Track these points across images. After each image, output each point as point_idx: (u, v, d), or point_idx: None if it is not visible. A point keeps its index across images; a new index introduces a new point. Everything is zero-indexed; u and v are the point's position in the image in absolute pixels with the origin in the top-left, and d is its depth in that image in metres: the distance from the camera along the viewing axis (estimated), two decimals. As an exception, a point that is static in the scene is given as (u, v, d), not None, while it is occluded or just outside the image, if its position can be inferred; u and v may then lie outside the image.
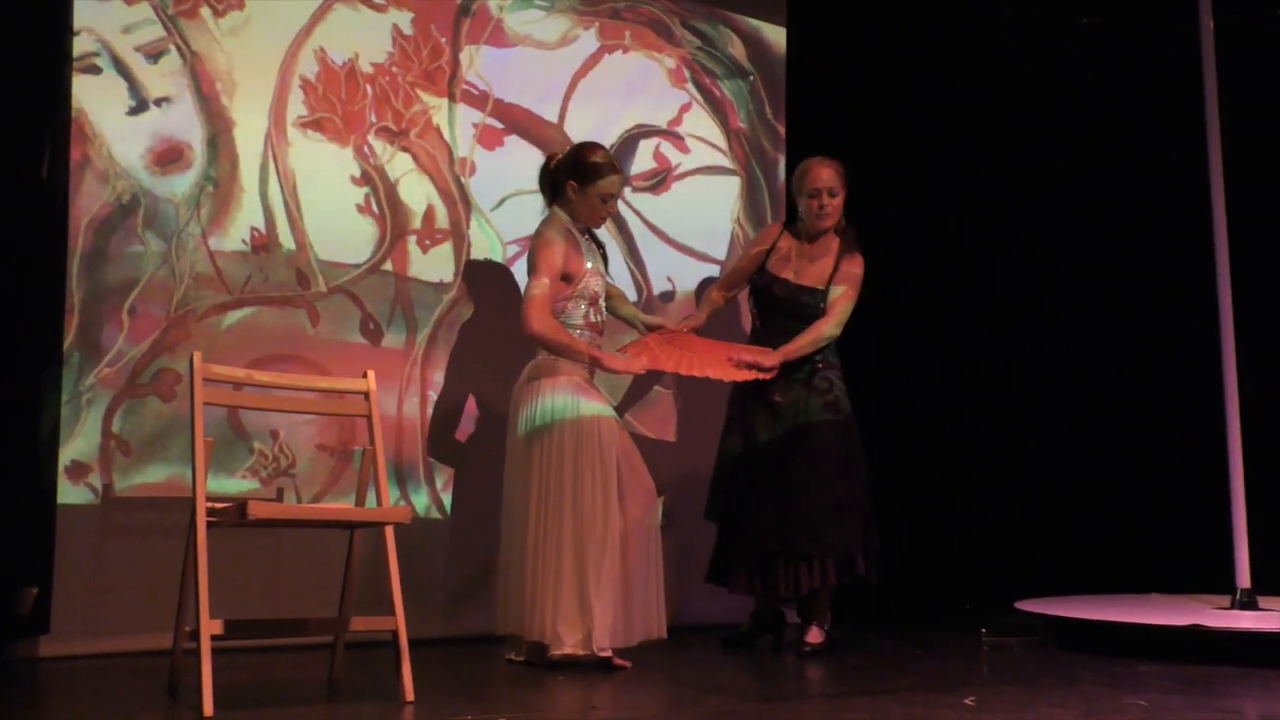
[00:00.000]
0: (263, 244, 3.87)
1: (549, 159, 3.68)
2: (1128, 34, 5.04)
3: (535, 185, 3.73)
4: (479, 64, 4.27)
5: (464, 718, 2.67)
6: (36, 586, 3.42)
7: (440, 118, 4.19)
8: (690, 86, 4.70)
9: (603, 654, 3.34)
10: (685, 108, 4.68)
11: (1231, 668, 3.47)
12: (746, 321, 4.25)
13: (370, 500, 3.14)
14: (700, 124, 4.71)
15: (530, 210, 3.85)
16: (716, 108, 4.75)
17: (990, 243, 5.25)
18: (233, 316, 3.80)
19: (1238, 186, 4.41)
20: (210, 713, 2.62)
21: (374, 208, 4.05)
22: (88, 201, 3.63)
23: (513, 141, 4.32)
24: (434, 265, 4.14)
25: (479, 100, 4.27)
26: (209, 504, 2.81)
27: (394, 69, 4.11)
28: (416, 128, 4.14)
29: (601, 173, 3.55)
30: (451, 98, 4.21)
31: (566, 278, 3.51)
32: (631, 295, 4.37)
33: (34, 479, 3.49)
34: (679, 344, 3.72)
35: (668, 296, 4.59)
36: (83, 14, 3.65)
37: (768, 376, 3.70)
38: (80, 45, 3.66)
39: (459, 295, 4.17)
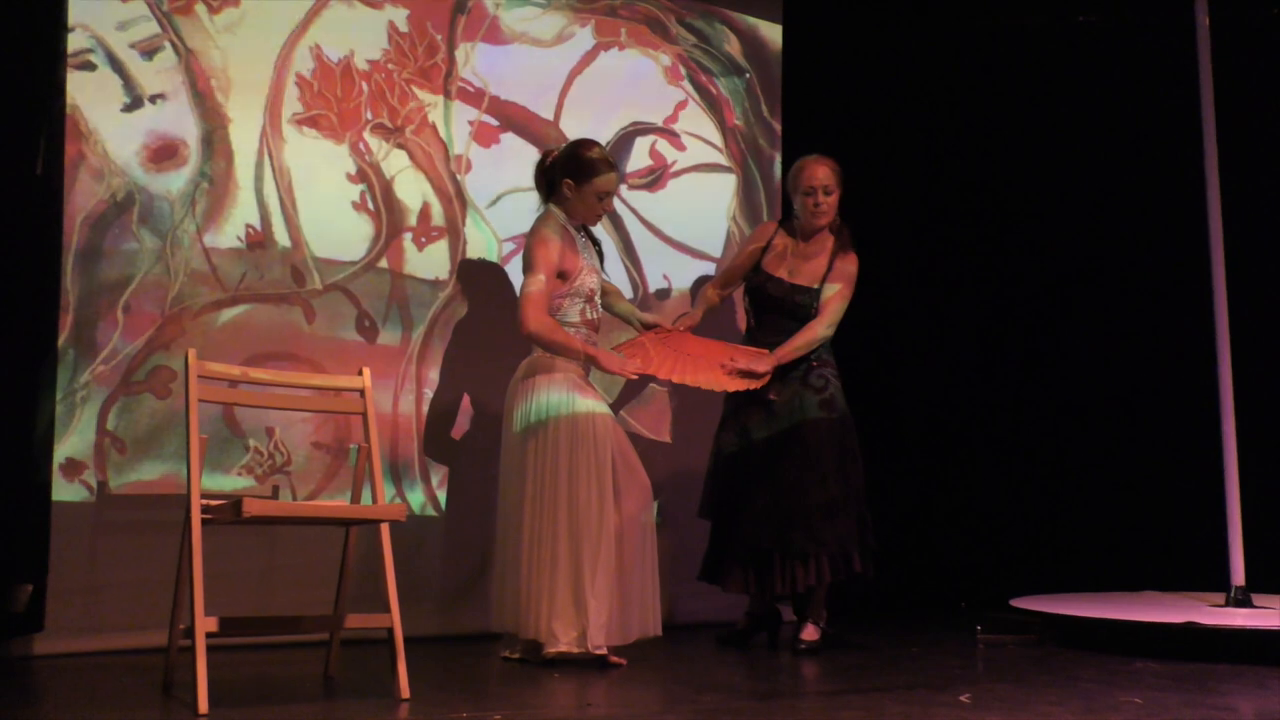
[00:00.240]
0: (258, 241, 3.87)
1: (545, 156, 3.68)
2: (1124, 31, 5.04)
3: (531, 183, 3.73)
4: (475, 61, 4.27)
5: (459, 715, 2.67)
6: (31, 584, 3.42)
7: (436, 115, 4.18)
8: (686, 84, 4.69)
9: (598, 652, 3.34)
10: (681, 105, 4.68)
11: (1226, 665, 3.48)
12: (742, 320, 4.25)
13: (366, 497, 3.14)
14: (696, 121, 4.70)
15: (526, 207, 3.84)
16: (713, 105, 4.74)
17: (987, 240, 5.25)
18: (228, 314, 3.80)
19: (1233, 184, 4.41)
20: (205, 710, 2.62)
21: (369, 205, 4.05)
22: (82, 198, 3.63)
23: (508, 139, 4.31)
24: (430, 263, 4.13)
25: (475, 97, 4.27)
26: (204, 501, 2.81)
27: (389, 66, 4.11)
28: (412, 125, 4.13)
29: (598, 170, 3.55)
30: (447, 95, 4.21)
31: (562, 275, 3.50)
32: (627, 292, 4.37)
33: (29, 476, 3.49)
34: (674, 345, 3.72)
35: (663, 294, 4.59)
36: (77, 10, 3.65)
37: (760, 384, 3.70)
38: (75, 42, 3.65)
39: (454, 293, 4.17)
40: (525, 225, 3.70)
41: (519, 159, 4.21)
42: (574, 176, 3.55)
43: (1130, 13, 5.00)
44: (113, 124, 3.68)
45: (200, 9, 3.82)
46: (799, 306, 3.86)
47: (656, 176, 4.63)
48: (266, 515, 2.87)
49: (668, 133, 4.65)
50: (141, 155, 3.72)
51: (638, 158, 4.58)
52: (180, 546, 2.89)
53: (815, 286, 3.87)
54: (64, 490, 3.55)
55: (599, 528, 3.39)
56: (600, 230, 3.84)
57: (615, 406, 4.20)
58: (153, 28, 3.76)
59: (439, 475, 4.10)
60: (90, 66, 3.67)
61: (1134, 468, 5.10)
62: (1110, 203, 5.26)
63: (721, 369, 3.67)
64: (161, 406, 3.68)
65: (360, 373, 3.20)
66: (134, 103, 3.72)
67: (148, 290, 3.69)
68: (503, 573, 3.50)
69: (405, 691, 2.85)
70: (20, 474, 3.47)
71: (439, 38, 4.21)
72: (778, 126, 4.87)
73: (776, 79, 4.88)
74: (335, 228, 3.98)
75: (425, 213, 4.14)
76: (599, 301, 3.63)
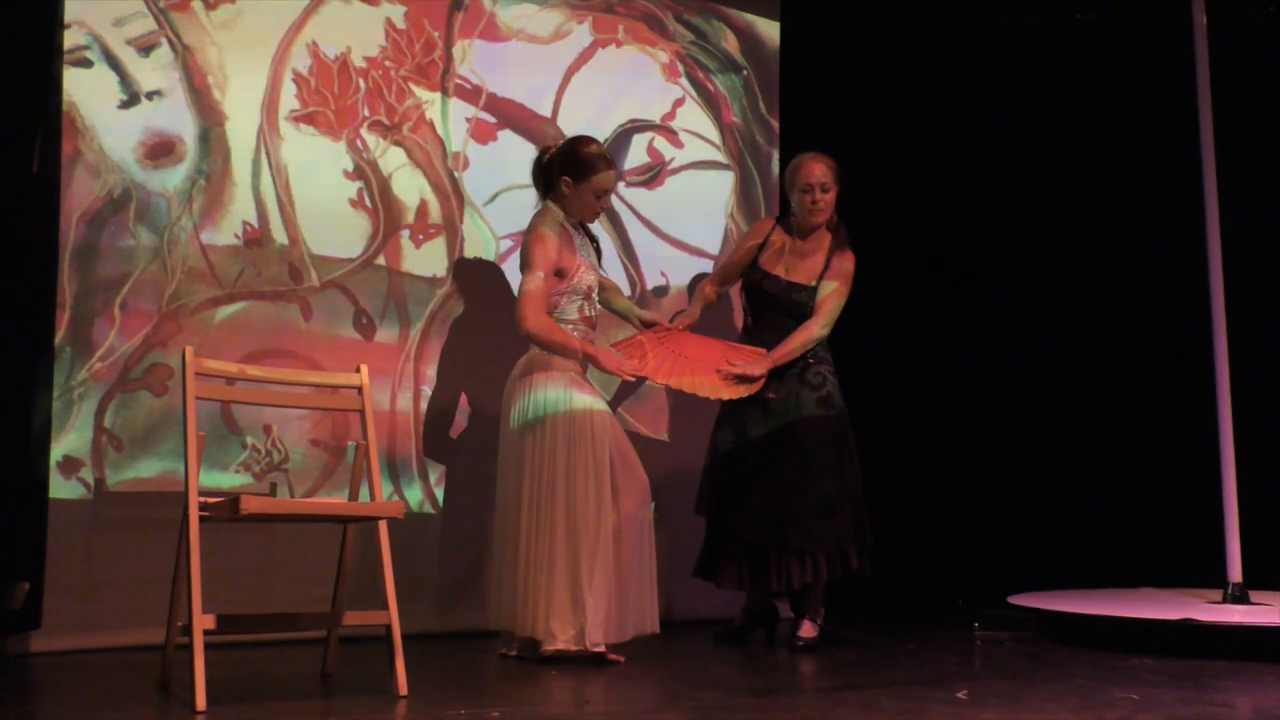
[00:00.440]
0: (255, 238, 3.86)
1: (542, 152, 3.68)
2: (1122, 29, 5.04)
3: (528, 180, 3.72)
4: (472, 58, 4.27)
5: (457, 712, 2.67)
6: (28, 581, 3.41)
7: (433, 112, 4.18)
8: (684, 81, 4.69)
9: (596, 649, 3.34)
10: (679, 102, 4.68)
11: (1223, 662, 3.48)
12: (739, 318, 4.25)
13: (363, 495, 3.14)
14: (694, 119, 4.70)
15: (523, 205, 3.84)
16: (710, 102, 4.74)
17: (985, 238, 5.25)
18: (225, 311, 3.80)
19: (1231, 182, 4.41)
20: (203, 707, 2.62)
21: (367, 202, 4.05)
22: (79, 195, 3.62)
23: (506, 136, 4.31)
24: (427, 260, 4.13)
25: (472, 95, 4.26)
26: (202, 499, 2.81)
27: (387, 63, 4.10)
28: (409, 122, 4.13)
29: (596, 168, 3.54)
30: (444, 92, 4.21)
31: (560, 273, 3.50)
32: (625, 290, 4.37)
33: (26, 474, 3.48)
34: (672, 345, 3.72)
35: (661, 291, 4.58)
36: (73, 7, 3.64)
37: (756, 388, 3.71)
38: (71, 38, 3.64)
39: (452, 290, 4.17)
40: (523, 222, 3.69)
41: (516, 156, 4.21)
42: (572, 174, 3.54)
43: (1128, 11, 5.00)
44: (109, 121, 3.67)
45: (197, 5, 3.81)
46: (795, 304, 3.87)
47: (654, 174, 4.62)
48: (264, 513, 2.87)
49: (665, 130, 4.64)
50: (138, 152, 3.71)
51: (635, 155, 4.58)
52: (178, 544, 2.88)
53: (812, 284, 3.87)
54: (61, 488, 3.55)
55: (597, 525, 3.39)
56: (598, 227, 3.84)
57: (613, 404, 4.20)
58: (149, 24, 3.75)
59: (437, 473, 4.10)
60: (87, 63, 3.66)
61: (1131, 464, 5.11)
62: (1107, 200, 5.26)
63: (718, 374, 3.67)
64: (159, 404, 3.68)
65: (358, 370, 3.20)
66: (130, 99, 3.72)
67: (145, 287, 3.69)
68: (500, 570, 3.50)
69: (403, 689, 2.85)
70: (17, 471, 3.47)
71: (436, 34, 4.21)
72: (775, 124, 4.87)
73: (774, 76, 4.88)
74: (332, 225, 3.98)
75: (423, 210, 4.14)
76: (597, 298, 3.63)
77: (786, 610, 4.05)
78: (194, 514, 2.77)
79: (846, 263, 3.89)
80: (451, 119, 4.21)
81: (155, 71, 3.75)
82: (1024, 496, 5.20)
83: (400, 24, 4.14)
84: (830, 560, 3.75)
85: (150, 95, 3.74)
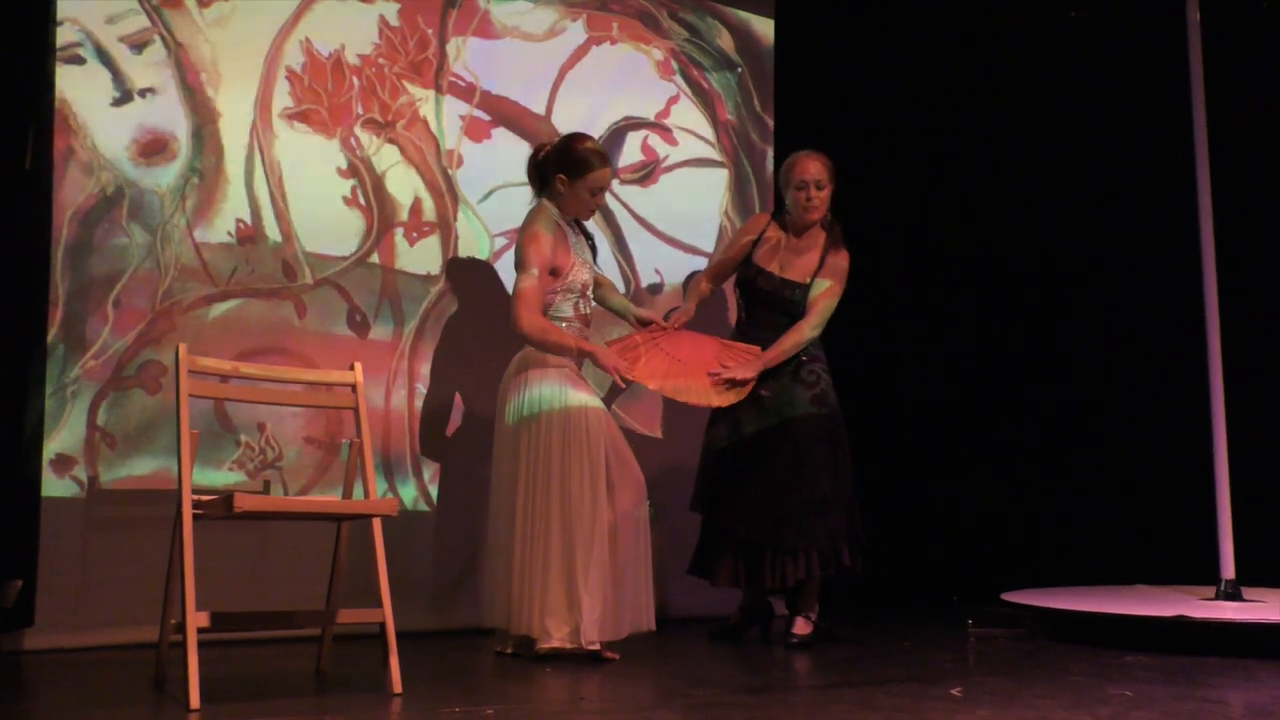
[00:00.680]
0: (249, 236, 3.85)
1: (538, 150, 3.67)
2: (1116, 26, 5.05)
3: (523, 177, 3.72)
4: (466, 55, 4.26)
5: (452, 710, 2.67)
6: (21, 579, 3.40)
7: (427, 109, 4.17)
8: (678, 79, 4.69)
9: (591, 647, 3.34)
10: (673, 100, 4.67)
11: (1216, 658, 3.49)
12: (734, 315, 4.25)
13: (358, 492, 3.13)
14: (688, 116, 4.70)
15: (518, 202, 3.84)
16: (705, 100, 4.74)
17: (979, 236, 5.25)
18: (219, 309, 3.79)
19: (1224, 180, 4.42)
20: (196, 705, 2.61)
21: (361, 200, 4.04)
22: (72, 193, 3.61)
23: (500, 134, 4.31)
24: (421, 257, 4.12)
25: (466, 92, 4.26)
26: (195, 496, 2.80)
27: (380, 60, 4.10)
28: (403, 119, 4.12)
29: (591, 166, 3.54)
30: (438, 89, 4.20)
31: (554, 271, 3.50)
32: (620, 287, 4.36)
33: (18, 472, 3.47)
34: (667, 347, 3.72)
35: (655, 289, 4.58)
36: (66, 4, 3.63)
37: (744, 393, 3.71)
38: (64, 35, 3.63)
39: (446, 288, 4.16)
40: (517, 220, 3.69)
41: (510, 154, 4.20)
42: (567, 171, 3.54)
43: (1122, 8, 5.00)
44: (102, 118, 3.66)
45: (189, 2, 3.80)
46: (789, 301, 3.87)
47: (648, 171, 4.62)
48: (258, 510, 2.86)
49: (660, 127, 4.64)
50: (131, 149, 3.70)
51: (629, 153, 4.58)
52: (171, 542, 2.88)
53: (806, 282, 3.87)
54: (54, 486, 3.54)
55: (592, 523, 3.39)
56: (592, 225, 3.84)
57: (607, 401, 4.20)
58: (142, 21, 3.74)
59: (431, 470, 4.09)
60: (79, 60, 3.65)
61: (1125, 462, 5.12)
62: (1102, 198, 5.27)
63: (710, 378, 3.68)
64: (152, 402, 3.67)
65: (352, 368, 3.19)
66: (123, 97, 3.71)
67: (138, 285, 3.68)
68: (495, 568, 3.50)
69: (398, 686, 2.85)
70: (10, 469, 3.46)
71: (430, 32, 4.20)
72: (770, 121, 4.87)
73: (769, 73, 4.88)
74: (326, 222, 3.97)
75: (416, 208, 4.13)
76: (591, 295, 3.63)
77: (781, 608, 4.06)
78: (187, 512, 2.77)
79: (841, 261, 3.89)
80: (445, 116, 4.21)
81: (148, 69, 3.74)
82: (1018, 494, 5.21)
83: (394, 21, 4.13)
84: (824, 557, 3.76)
85: (143, 92, 3.73)
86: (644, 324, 3.80)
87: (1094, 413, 5.26)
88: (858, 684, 3.09)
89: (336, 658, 3.18)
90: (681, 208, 4.65)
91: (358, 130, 4.04)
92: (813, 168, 3.88)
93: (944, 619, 4.32)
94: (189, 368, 2.90)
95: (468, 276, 4.20)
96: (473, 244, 4.23)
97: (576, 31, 4.49)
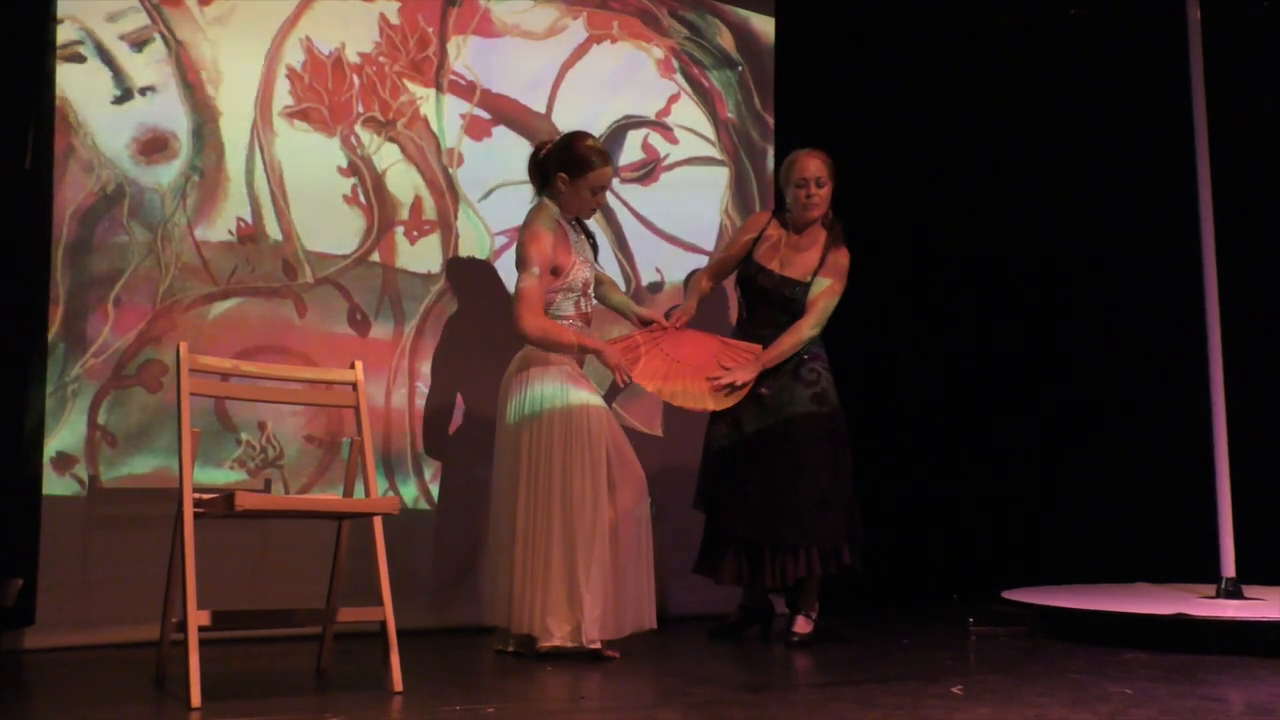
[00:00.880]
0: (249, 234, 3.85)
1: (539, 148, 3.67)
2: (1116, 24, 5.05)
3: (523, 176, 3.72)
4: (466, 54, 4.26)
5: (452, 708, 2.67)
6: (22, 578, 3.40)
7: (428, 108, 4.17)
8: (679, 77, 4.69)
9: (592, 646, 3.34)
10: (674, 98, 4.67)
11: (1216, 656, 3.49)
12: (734, 313, 4.25)
13: (358, 491, 3.13)
14: (689, 115, 4.70)
15: (518, 201, 3.83)
16: (705, 98, 4.74)
17: (979, 234, 5.25)
18: (219, 307, 3.79)
19: (1225, 178, 4.42)
20: (198, 704, 2.62)
21: (361, 198, 4.04)
22: (72, 191, 3.61)
23: (500, 132, 4.30)
24: (422, 256, 4.12)
25: (466, 90, 4.26)
26: (196, 495, 2.80)
27: (381, 59, 4.09)
28: (404, 118, 4.12)
29: (592, 165, 3.54)
30: (439, 88, 4.20)
31: (555, 270, 3.50)
32: (620, 286, 4.36)
33: (19, 470, 3.48)
34: (667, 347, 3.73)
35: (656, 287, 4.58)
36: (66, 2, 3.63)
37: (743, 394, 3.71)
38: (64, 33, 3.63)
39: (446, 286, 4.16)
40: (517, 219, 3.69)
41: (511, 152, 4.20)
42: (568, 170, 3.54)
43: (1122, 6, 5.00)
44: (102, 116, 3.66)
45: (190, 1, 3.80)
46: (789, 299, 3.87)
47: (649, 170, 4.62)
48: (259, 509, 2.86)
49: (660, 126, 4.64)
50: (132, 148, 3.70)
51: (630, 151, 4.57)
52: (172, 540, 2.88)
53: (806, 280, 3.87)
54: (55, 484, 3.54)
55: (593, 521, 3.39)
56: (592, 223, 3.84)
57: (608, 399, 4.20)
58: (142, 19, 3.74)
59: (432, 469, 4.10)
60: (80, 59, 3.65)
61: (1125, 460, 5.12)
62: (1102, 197, 5.27)
63: (708, 382, 3.69)
64: (153, 400, 3.67)
65: (352, 366, 3.19)
66: (124, 95, 3.71)
67: (138, 284, 3.68)
68: (496, 567, 3.50)
69: (398, 685, 2.85)
70: (10, 468, 3.46)
71: (430, 30, 4.20)
72: (770, 119, 4.87)
73: (769, 72, 4.88)
74: (327, 221, 3.97)
75: (417, 206, 4.13)
76: (593, 294, 3.63)
77: (781, 606, 4.06)
78: (188, 510, 2.77)
79: (841, 259, 3.89)
80: (446, 115, 4.21)
81: (149, 67, 3.74)
82: (1018, 493, 5.21)
83: (394, 20, 4.13)
84: (824, 555, 3.76)
85: (144, 91, 3.73)
86: (645, 323, 3.80)
87: (1094, 411, 5.26)
88: (858, 682, 3.09)
89: (337, 656, 3.18)
90: (682, 206, 4.65)
91: (358, 129, 4.04)
92: (813, 165, 3.88)
93: (944, 617, 4.32)
94: (190, 366, 2.90)
95: (468, 275, 4.20)
96: (473, 243, 4.23)
97: (577, 30, 4.49)
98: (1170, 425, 4.94)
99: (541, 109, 4.39)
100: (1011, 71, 5.25)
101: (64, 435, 3.57)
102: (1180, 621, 3.68)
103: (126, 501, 3.61)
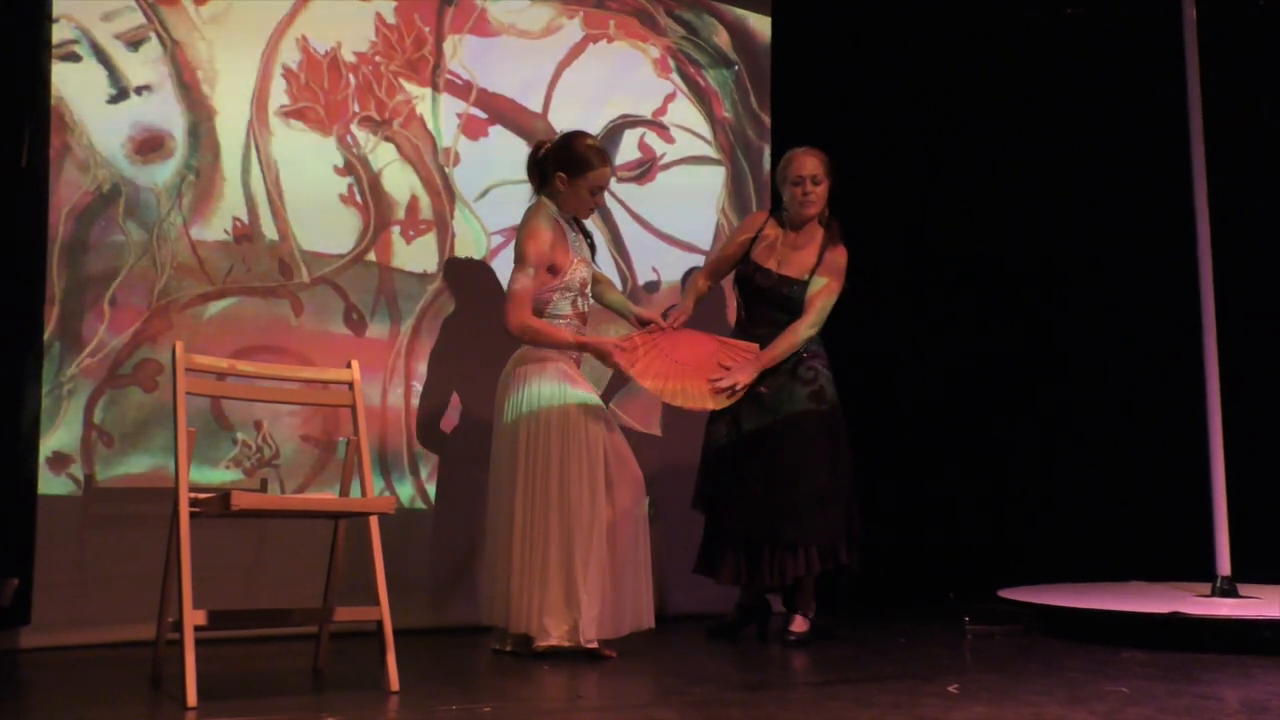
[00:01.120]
0: (245, 234, 3.85)
1: (538, 147, 3.66)
2: (1112, 23, 5.05)
3: (520, 175, 3.72)
4: (462, 53, 4.26)
5: (449, 707, 2.67)
6: (17, 578, 3.40)
7: (424, 107, 4.17)
8: (675, 76, 4.69)
9: (589, 645, 3.34)
10: (670, 98, 4.67)
11: (1212, 654, 3.50)
12: (732, 312, 4.25)
13: (355, 490, 3.13)
14: (685, 114, 4.70)
15: (514, 200, 3.83)
16: (701, 97, 4.74)
17: (976, 233, 5.25)
18: (215, 307, 3.78)
19: (1220, 178, 4.43)
20: (194, 703, 2.61)
21: (357, 198, 4.04)
22: (68, 190, 3.61)
23: (497, 132, 4.30)
24: (418, 256, 4.12)
25: (463, 90, 4.25)
26: (192, 495, 2.80)
27: (377, 58, 4.09)
28: (400, 117, 4.12)
29: (591, 164, 3.53)
30: (435, 87, 4.20)
31: (553, 269, 3.50)
32: (616, 285, 4.35)
33: (15, 470, 3.47)
34: (665, 348, 3.72)
35: (652, 287, 4.58)
36: (61, 1, 3.62)
37: (740, 394, 3.71)
38: (59, 32, 3.62)
39: (443, 286, 4.16)
40: (513, 218, 3.69)
41: (507, 152, 4.20)
42: (567, 169, 3.54)
43: (1118, 6, 5.01)
44: (98, 115, 3.66)
45: (186, 0, 3.80)
46: (787, 298, 3.87)
47: (645, 169, 4.62)
48: (255, 508, 2.86)
49: (656, 125, 4.64)
50: (127, 147, 3.70)
51: (626, 150, 4.57)
52: (168, 540, 2.87)
53: (804, 278, 3.87)
54: (50, 484, 3.54)
55: (591, 521, 3.38)
56: (589, 223, 3.83)
57: (605, 397, 4.20)
58: (138, 19, 3.73)
59: (428, 468, 4.09)
60: (75, 58, 3.65)
61: (1120, 459, 5.12)
62: (1098, 196, 5.28)
63: (708, 383, 3.69)
64: (149, 400, 3.66)
65: (349, 366, 3.19)
66: (119, 94, 3.70)
67: (134, 283, 3.67)
68: (493, 566, 3.50)
69: (395, 684, 2.85)
70: (6, 468, 3.45)
71: (427, 30, 4.20)
72: (766, 119, 4.87)
73: (765, 71, 4.88)
74: (323, 221, 3.96)
75: (413, 206, 4.13)
76: (590, 293, 3.63)
77: (779, 605, 4.06)
78: (184, 510, 2.77)
79: (839, 257, 3.89)
80: (442, 114, 4.20)
81: (144, 66, 3.73)
82: (1015, 491, 5.21)
83: (390, 19, 4.13)
84: (823, 554, 3.76)
85: (139, 90, 3.73)
86: (643, 322, 3.79)
87: (1090, 410, 5.26)
88: (855, 681, 3.09)
89: (333, 656, 3.18)
90: (678, 205, 4.65)
91: (354, 128, 4.04)
92: (809, 163, 3.89)
93: (941, 616, 4.32)
94: (186, 366, 2.90)
95: (465, 275, 4.20)
96: (470, 242, 4.23)
97: (573, 29, 4.49)
98: (1166, 424, 4.94)
99: (538, 108, 4.39)
100: (1008, 71, 5.26)
101: (60, 435, 3.56)
102: (1176, 620, 3.68)
103: (122, 501, 3.60)
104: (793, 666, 3.41)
